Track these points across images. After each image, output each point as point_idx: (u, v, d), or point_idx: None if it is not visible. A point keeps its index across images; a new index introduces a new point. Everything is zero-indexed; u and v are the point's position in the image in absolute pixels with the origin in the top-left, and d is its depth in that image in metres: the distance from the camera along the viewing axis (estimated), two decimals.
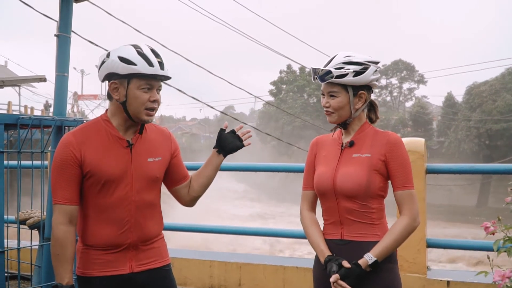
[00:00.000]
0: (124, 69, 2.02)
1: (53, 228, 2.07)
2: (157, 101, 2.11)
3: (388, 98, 62.24)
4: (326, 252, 2.23)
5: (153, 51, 2.08)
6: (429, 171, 3.81)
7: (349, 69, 2.17)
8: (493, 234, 1.83)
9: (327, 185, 2.24)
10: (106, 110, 2.19)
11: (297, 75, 61.48)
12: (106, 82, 2.11)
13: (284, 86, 62.80)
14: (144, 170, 2.14)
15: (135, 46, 2.07)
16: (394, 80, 60.66)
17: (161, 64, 2.06)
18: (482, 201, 43.53)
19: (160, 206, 2.27)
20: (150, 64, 2.03)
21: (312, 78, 2.30)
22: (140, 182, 2.13)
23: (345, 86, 2.20)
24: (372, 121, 2.35)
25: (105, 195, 2.08)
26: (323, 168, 2.29)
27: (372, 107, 2.35)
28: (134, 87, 2.05)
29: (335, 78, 2.18)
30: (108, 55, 2.07)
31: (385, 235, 2.17)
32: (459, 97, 53.73)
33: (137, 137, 2.17)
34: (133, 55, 2.03)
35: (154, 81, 2.08)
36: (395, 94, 62.52)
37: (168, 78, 2.12)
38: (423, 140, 3.85)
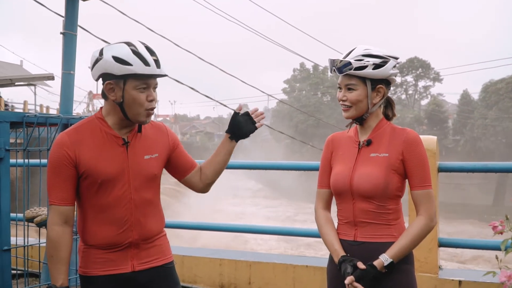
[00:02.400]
0: (119, 69, 1.96)
1: (47, 229, 2.04)
2: (154, 100, 2.07)
3: (404, 96, 61.77)
4: (340, 252, 2.18)
5: (148, 48, 2.03)
6: (441, 170, 3.76)
7: (368, 61, 2.12)
8: (501, 233, 1.78)
9: (344, 185, 2.19)
10: (101, 108, 2.15)
11: (310, 73, 61.40)
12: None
13: (298, 85, 62.77)
14: (141, 168, 2.11)
15: (129, 44, 2.01)
16: (409, 78, 60.18)
17: (157, 62, 2.02)
18: (498, 200, 43.10)
19: (160, 203, 2.24)
20: (146, 63, 1.98)
21: (329, 70, 2.24)
22: (138, 180, 2.10)
23: (363, 79, 2.15)
24: (388, 118, 2.28)
25: (103, 195, 2.05)
26: (340, 168, 2.24)
27: (388, 104, 2.29)
28: (130, 87, 2.00)
29: (354, 70, 2.12)
30: (101, 53, 2.01)
31: (401, 235, 2.11)
32: (475, 94, 53.34)
33: (133, 135, 2.13)
34: (128, 55, 1.97)
35: (150, 80, 2.03)
36: (410, 92, 62.06)
37: (165, 75, 2.08)
38: (435, 138, 3.80)
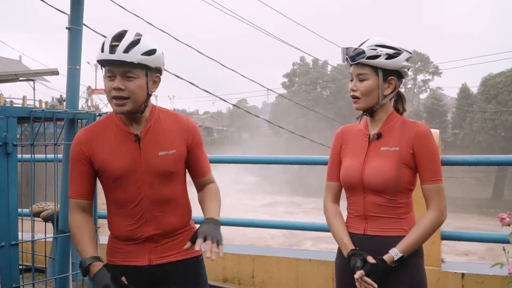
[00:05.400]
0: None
1: (69, 219, 2.09)
2: (119, 89, 1.95)
3: (402, 90, 61.38)
4: (349, 245, 2.18)
5: (118, 34, 1.94)
6: (444, 163, 3.76)
7: (382, 51, 2.11)
8: (509, 225, 1.79)
9: (355, 179, 2.18)
10: None
11: (310, 67, 61.25)
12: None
13: (297, 79, 62.62)
14: (155, 164, 2.07)
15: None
16: (408, 72, 60.06)
17: (112, 48, 1.90)
18: (497, 193, 43.19)
19: (184, 198, 2.21)
20: (102, 49, 1.92)
21: (342, 59, 2.22)
22: (152, 177, 2.07)
23: (376, 69, 2.13)
24: (399, 112, 2.26)
25: (119, 191, 2.07)
26: (350, 161, 2.23)
27: (399, 98, 2.27)
28: (104, 75, 1.99)
29: (367, 58, 2.11)
30: None
31: (411, 230, 2.10)
32: (474, 88, 53.24)
33: (147, 130, 2.08)
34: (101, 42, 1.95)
35: (114, 68, 1.94)
36: (409, 86, 62.04)
37: (126, 62, 1.92)
38: (437, 131, 3.79)
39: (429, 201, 2.13)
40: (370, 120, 2.25)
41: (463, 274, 3.55)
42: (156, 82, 2.09)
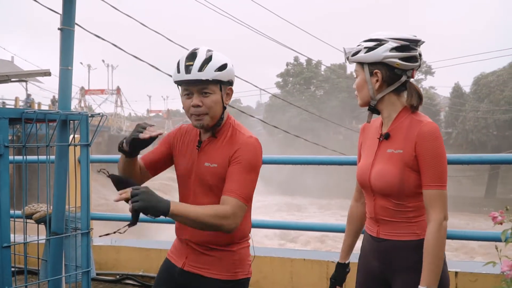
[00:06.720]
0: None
1: None
2: (198, 106, 2.04)
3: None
4: (342, 254, 2.32)
5: (190, 54, 2.05)
6: None
7: (363, 45, 2.05)
8: (501, 224, 1.79)
9: (364, 180, 2.12)
10: None
11: (303, 67, 61.33)
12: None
13: (291, 79, 62.69)
14: (201, 173, 2.12)
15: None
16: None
17: (187, 68, 2.01)
18: (490, 192, 43.50)
19: None
20: (178, 70, 2.04)
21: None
22: (197, 185, 2.13)
23: (362, 65, 2.07)
24: (414, 108, 2.07)
25: (180, 187, 2.23)
26: (363, 161, 2.18)
27: (411, 91, 2.09)
28: (181, 94, 2.11)
29: (351, 56, 2.08)
30: None
31: (423, 257, 1.92)
32: (466, 87, 53.56)
33: (209, 140, 2.15)
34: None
35: (191, 86, 2.05)
36: None
37: (195, 80, 2.01)
38: None
39: (428, 209, 1.95)
40: (382, 118, 2.15)
41: (456, 273, 3.57)
42: (229, 94, 2.16)
